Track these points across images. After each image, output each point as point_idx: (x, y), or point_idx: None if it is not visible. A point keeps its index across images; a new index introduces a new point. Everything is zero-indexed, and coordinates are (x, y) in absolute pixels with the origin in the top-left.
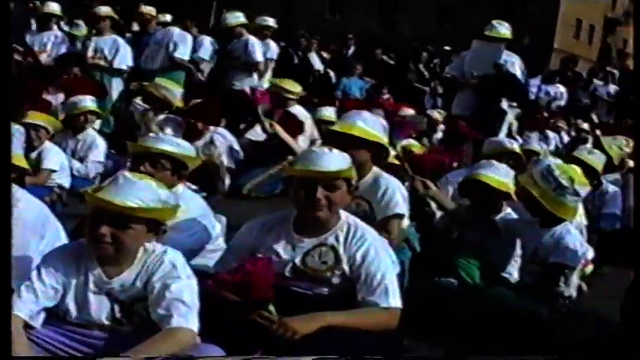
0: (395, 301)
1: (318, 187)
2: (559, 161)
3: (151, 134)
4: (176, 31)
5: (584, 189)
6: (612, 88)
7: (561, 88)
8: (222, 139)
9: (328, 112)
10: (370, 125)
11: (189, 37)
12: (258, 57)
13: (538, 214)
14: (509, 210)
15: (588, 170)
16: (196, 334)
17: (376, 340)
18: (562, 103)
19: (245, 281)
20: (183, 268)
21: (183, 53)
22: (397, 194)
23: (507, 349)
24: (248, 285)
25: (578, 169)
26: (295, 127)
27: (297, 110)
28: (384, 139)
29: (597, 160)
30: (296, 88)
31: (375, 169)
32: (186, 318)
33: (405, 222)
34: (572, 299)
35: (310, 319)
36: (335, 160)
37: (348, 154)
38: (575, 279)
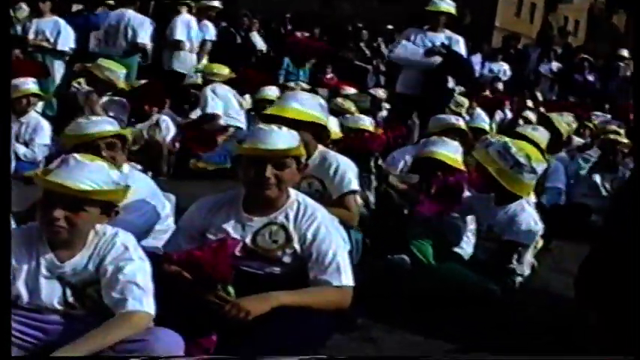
0: (347, 279)
1: (267, 166)
2: (506, 138)
3: (81, 119)
4: (132, 14)
5: (540, 166)
6: (555, 65)
7: (505, 66)
8: (169, 121)
9: (271, 92)
10: (306, 105)
11: (146, 21)
12: (177, 35)
13: (493, 191)
14: None
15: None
16: (152, 317)
17: (330, 319)
18: (505, 80)
19: (203, 262)
20: (135, 249)
21: (144, 37)
22: (349, 171)
23: (461, 326)
24: (207, 266)
25: (532, 147)
26: None
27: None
28: (322, 118)
29: (541, 136)
30: (223, 70)
31: (321, 147)
32: (141, 301)
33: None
34: (525, 276)
35: (263, 299)
36: (284, 138)
37: None
38: (529, 256)
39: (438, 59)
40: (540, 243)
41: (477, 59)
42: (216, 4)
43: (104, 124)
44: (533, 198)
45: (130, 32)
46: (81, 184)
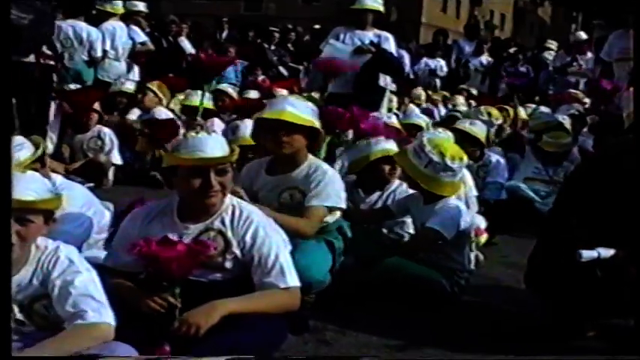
0: (292, 280)
1: (211, 174)
2: (441, 134)
3: None
4: (87, 26)
5: (457, 163)
6: (484, 58)
7: (442, 62)
8: (112, 134)
9: (197, 97)
10: (301, 110)
11: (99, 33)
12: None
13: (420, 190)
14: (397, 181)
15: (471, 141)
16: (113, 328)
17: (282, 322)
18: (442, 75)
19: (168, 257)
20: (81, 262)
21: (100, 51)
22: (330, 186)
23: (414, 324)
24: (170, 261)
25: (452, 143)
26: None
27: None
28: (317, 123)
29: (480, 130)
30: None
31: (311, 158)
32: (100, 312)
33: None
34: (470, 271)
35: (211, 310)
36: (221, 145)
37: (282, 141)
38: (468, 251)
39: (366, 57)
40: (485, 237)
41: (404, 55)
42: (142, 7)
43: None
44: (475, 192)
45: (87, 45)
46: (24, 195)
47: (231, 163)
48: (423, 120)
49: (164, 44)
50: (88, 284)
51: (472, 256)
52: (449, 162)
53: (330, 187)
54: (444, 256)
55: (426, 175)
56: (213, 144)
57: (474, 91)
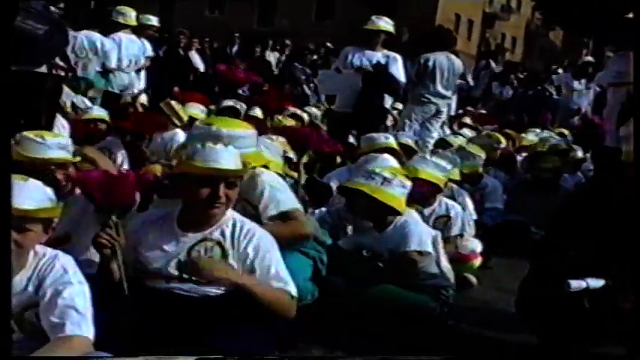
0: (294, 289)
1: (220, 185)
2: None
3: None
4: (101, 37)
5: (407, 182)
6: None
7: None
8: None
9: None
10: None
11: (115, 44)
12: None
13: (370, 218)
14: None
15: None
16: (91, 341)
17: (269, 339)
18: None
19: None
20: (75, 272)
21: (113, 62)
22: (276, 192)
23: (402, 345)
24: (111, 186)
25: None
26: None
27: None
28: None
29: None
30: None
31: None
32: (80, 325)
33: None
34: (454, 288)
35: (219, 269)
36: (235, 157)
37: None
38: (444, 262)
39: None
40: (479, 260)
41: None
42: (155, 22)
43: (57, 150)
44: (474, 215)
45: (101, 56)
46: (23, 204)
47: (240, 177)
48: (410, 139)
49: (174, 57)
50: (76, 296)
51: (449, 267)
52: (401, 179)
53: (277, 193)
54: (424, 274)
55: (385, 190)
56: (227, 156)
57: (484, 111)
